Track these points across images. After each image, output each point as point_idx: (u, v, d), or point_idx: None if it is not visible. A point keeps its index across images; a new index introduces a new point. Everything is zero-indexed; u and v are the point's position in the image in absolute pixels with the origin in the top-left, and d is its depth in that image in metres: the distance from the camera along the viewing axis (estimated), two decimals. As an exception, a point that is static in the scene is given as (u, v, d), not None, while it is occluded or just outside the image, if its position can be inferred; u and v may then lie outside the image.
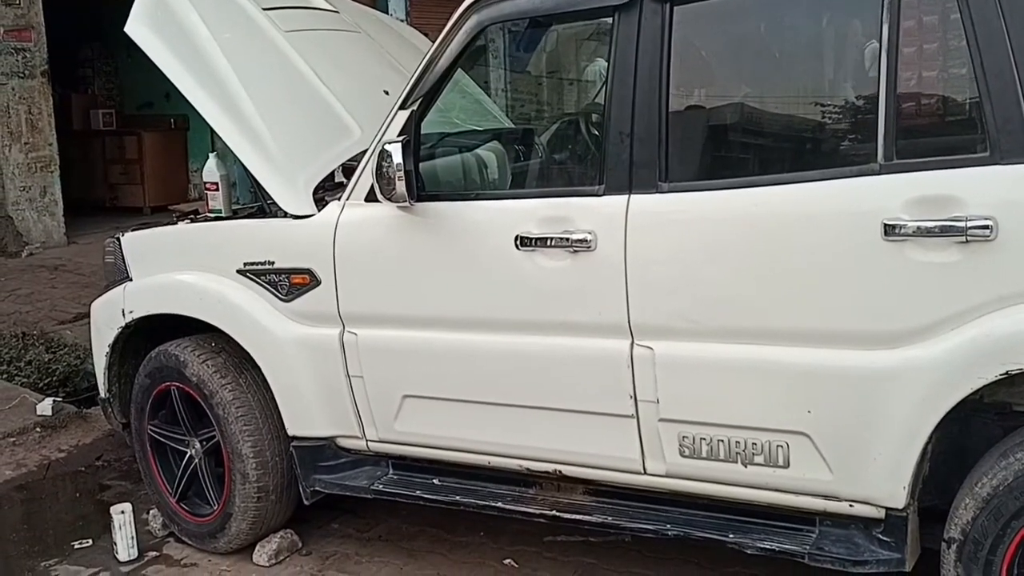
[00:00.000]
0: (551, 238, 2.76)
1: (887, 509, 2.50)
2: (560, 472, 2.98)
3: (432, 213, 2.98)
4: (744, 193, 2.53)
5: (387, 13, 8.06)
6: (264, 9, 3.64)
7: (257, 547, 3.56)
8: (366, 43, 4.10)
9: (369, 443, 3.30)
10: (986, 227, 2.22)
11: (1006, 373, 2.26)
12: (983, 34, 2.23)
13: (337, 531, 3.78)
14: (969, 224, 2.23)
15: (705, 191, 2.60)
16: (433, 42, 3.04)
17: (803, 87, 2.74)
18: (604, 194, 2.70)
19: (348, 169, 3.42)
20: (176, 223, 3.73)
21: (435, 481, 3.24)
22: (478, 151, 3.50)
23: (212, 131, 3.38)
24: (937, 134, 2.44)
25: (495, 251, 2.86)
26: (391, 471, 3.35)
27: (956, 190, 2.27)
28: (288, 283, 3.25)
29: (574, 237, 2.72)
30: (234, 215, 3.69)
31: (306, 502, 3.44)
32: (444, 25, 2.98)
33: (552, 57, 4.92)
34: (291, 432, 3.38)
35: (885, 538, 2.53)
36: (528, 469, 3.04)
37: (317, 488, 3.38)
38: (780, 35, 2.70)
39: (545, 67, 5.06)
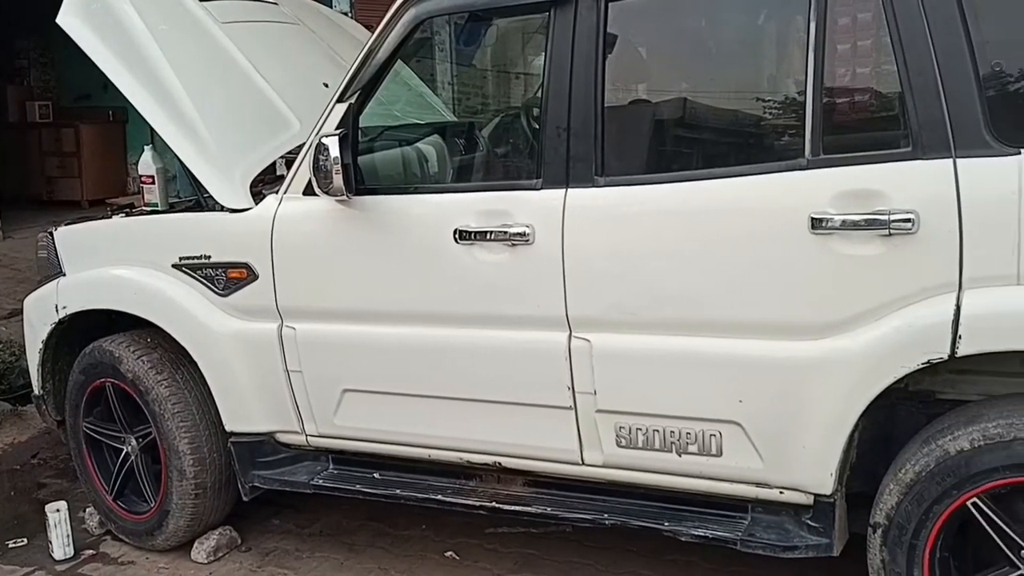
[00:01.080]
0: (489, 232, 2.77)
1: (815, 495, 2.57)
2: (500, 464, 3.01)
3: (370, 207, 2.97)
4: (677, 187, 2.57)
5: (330, 7, 8.00)
6: (200, 0, 3.60)
7: (195, 544, 3.54)
8: (306, 36, 4.07)
9: (309, 438, 3.29)
10: (908, 220, 2.28)
11: (928, 361, 2.33)
12: (906, 33, 2.29)
13: (277, 527, 3.77)
14: (892, 218, 2.29)
15: (640, 185, 2.63)
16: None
17: (734, 83, 2.78)
18: (542, 188, 2.72)
19: (290, 162, 3.40)
20: (111, 217, 3.68)
21: (375, 475, 3.25)
22: (418, 145, 3.51)
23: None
24: (862, 130, 2.50)
25: (434, 245, 2.87)
26: (331, 466, 3.34)
27: (880, 184, 2.32)
28: (225, 277, 3.22)
29: (512, 231, 2.74)
30: (170, 209, 3.65)
31: (245, 498, 3.42)
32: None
33: (495, 51, 4.93)
34: (229, 428, 3.35)
35: (814, 524, 2.60)
36: (468, 461, 3.06)
37: (256, 484, 3.37)
38: (711, 32, 2.74)
39: (488, 61, 5.07)
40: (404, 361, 3.02)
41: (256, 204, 3.19)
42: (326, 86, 3.74)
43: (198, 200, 3.55)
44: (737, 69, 2.78)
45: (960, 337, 2.27)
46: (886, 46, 2.34)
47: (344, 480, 3.27)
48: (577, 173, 2.67)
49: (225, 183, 3.22)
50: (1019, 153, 2.20)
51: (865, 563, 2.52)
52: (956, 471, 2.32)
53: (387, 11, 2.97)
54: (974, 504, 2.33)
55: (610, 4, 2.63)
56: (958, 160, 2.25)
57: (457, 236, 2.82)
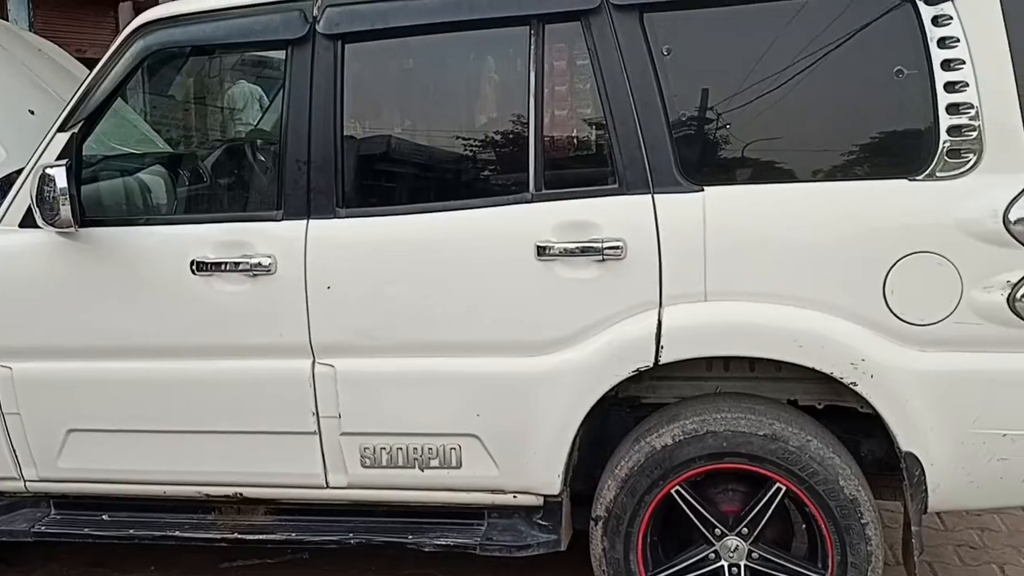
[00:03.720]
0: (229, 263, 2.81)
1: (545, 497, 2.84)
2: (241, 495, 3.02)
3: (97, 239, 2.90)
4: (416, 218, 2.76)
5: (6, 20, 7.41)
6: None
7: None
8: (4, 59, 3.83)
9: (28, 483, 3.10)
10: (617, 247, 2.62)
11: (636, 370, 2.67)
12: (611, 87, 2.64)
13: (-15, 585, 3.48)
14: (604, 245, 2.62)
15: (380, 216, 2.79)
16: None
17: (466, 123, 3.02)
18: (283, 219, 2.81)
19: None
20: None
21: (104, 517, 3.12)
22: (140, 175, 3.43)
23: None
24: (578, 168, 2.83)
25: (169, 277, 2.85)
26: (53, 511, 3.17)
27: (593, 216, 2.65)
28: (-75, 317, 2.97)
29: (253, 261, 2.79)
30: None
31: (-50, 555, 3.15)
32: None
33: (216, 83, 4.88)
34: (-67, 480, 3.08)
35: (544, 523, 2.87)
36: (207, 495, 3.04)
37: (-34, 538, 3.11)
38: (445, 74, 2.97)
39: (208, 92, 5.00)
40: (137, 397, 2.96)
41: (-38, 237, 2.98)
42: (32, 113, 3.57)
43: None
44: (469, 110, 3.03)
45: (662, 347, 2.64)
46: (597, 97, 2.67)
47: (70, 525, 3.11)
48: (318, 205, 2.79)
49: (-75, 215, 2.97)
50: (703, 191, 2.61)
51: (587, 554, 2.82)
52: (662, 464, 2.68)
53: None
54: (677, 492, 2.70)
55: (347, 45, 2.78)
56: (656, 196, 2.62)
57: (194, 267, 2.82)
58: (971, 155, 2.48)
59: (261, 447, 2.93)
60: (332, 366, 2.82)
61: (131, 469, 3.03)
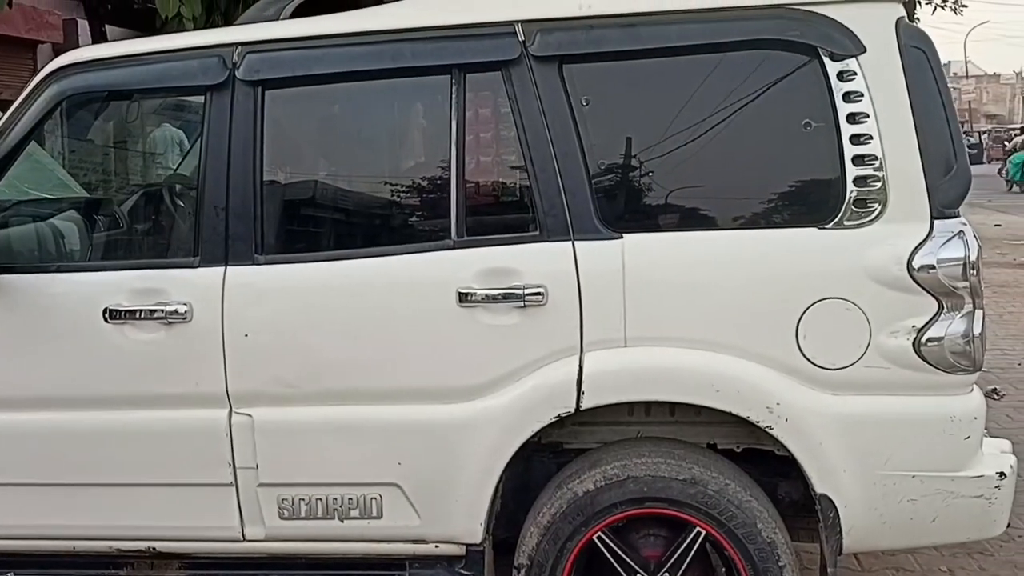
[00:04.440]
0: (143, 310, 2.75)
1: (467, 545, 2.80)
2: (154, 549, 2.93)
3: (7, 286, 2.83)
4: (336, 265, 2.75)
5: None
6: None
7: None
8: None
9: (-74, 542, 2.96)
10: (538, 294, 2.64)
11: (558, 416, 2.68)
12: (532, 135, 2.68)
13: None
14: (525, 292, 2.64)
15: (300, 263, 2.77)
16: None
17: (389, 169, 3.03)
18: (200, 266, 2.77)
19: None
20: None
21: (9, 575, 3.00)
22: (54, 221, 3.35)
23: None
24: (499, 215, 2.85)
25: (81, 325, 2.78)
26: (-48, 570, 3.03)
27: (515, 263, 2.67)
28: None
29: (168, 309, 2.74)
30: None
31: None
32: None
33: (135, 127, 4.81)
34: None
35: (466, 572, 2.83)
36: (119, 550, 2.94)
37: None
38: (366, 122, 2.98)
39: (128, 136, 4.93)
40: (45, 449, 2.86)
41: None
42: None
43: None
44: (390, 157, 3.04)
45: (583, 393, 2.65)
46: (518, 145, 2.71)
47: (-30, 585, 2.98)
48: (236, 252, 2.76)
49: None
50: (622, 238, 2.65)
51: (511, 603, 2.80)
52: (584, 510, 2.68)
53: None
54: (599, 538, 2.70)
55: (267, 92, 2.77)
56: (576, 243, 2.66)
57: (107, 315, 2.76)
58: (876, 204, 2.57)
59: (175, 500, 2.85)
60: (249, 416, 2.77)
61: (39, 524, 2.92)
